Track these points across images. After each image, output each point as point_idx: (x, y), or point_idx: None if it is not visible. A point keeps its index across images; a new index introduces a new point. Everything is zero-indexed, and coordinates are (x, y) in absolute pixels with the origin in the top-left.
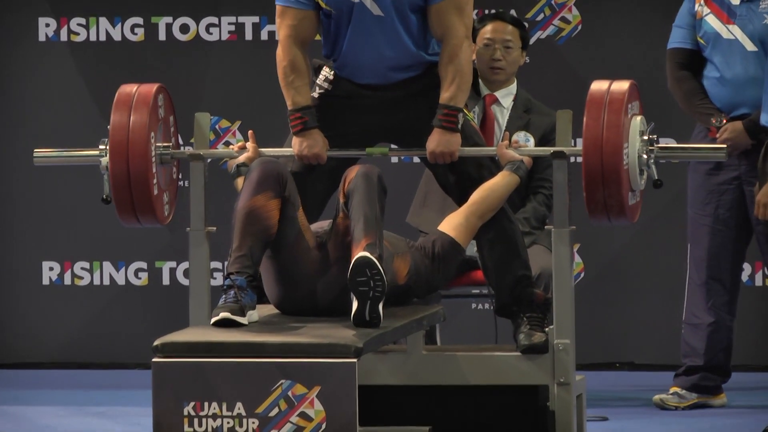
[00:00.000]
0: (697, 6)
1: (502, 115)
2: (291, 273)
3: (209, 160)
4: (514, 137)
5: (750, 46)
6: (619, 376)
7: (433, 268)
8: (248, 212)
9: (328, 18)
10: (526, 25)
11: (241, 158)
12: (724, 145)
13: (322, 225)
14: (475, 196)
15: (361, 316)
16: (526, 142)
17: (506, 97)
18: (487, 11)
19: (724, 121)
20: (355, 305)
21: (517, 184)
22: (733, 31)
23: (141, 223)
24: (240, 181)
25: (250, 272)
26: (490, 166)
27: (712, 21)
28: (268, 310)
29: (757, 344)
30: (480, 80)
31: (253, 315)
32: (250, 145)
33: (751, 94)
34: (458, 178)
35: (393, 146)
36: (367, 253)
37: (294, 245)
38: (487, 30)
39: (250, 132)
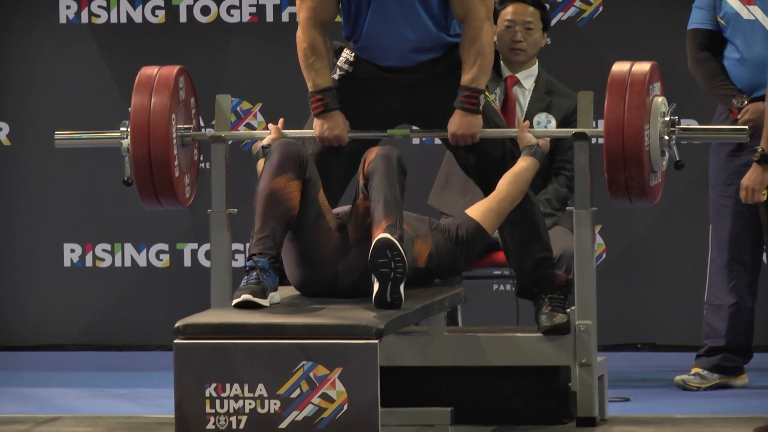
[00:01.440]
0: None
1: (523, 97)
2: (312, 255)
3: (230, 142)
4: (535, 118)
5: None
6: (641, 357)
7: (457, 251)
8: (269, 194)
9: (348, 1)
10: (547, 6)
11: (266, 140)
12: (746, 127)
13: (344, 208)
14: (503, 183)
15: (383, 298)
16: (548, 123)
17: (528, 78)
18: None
19: (746, 102)
20: (376, 287)
21: (537, 167)
22: (754, 12)
23: (162, 205)
24: (261, 163)
25: (272, 253)
26: (512, 148)
27: (732, 1)
28: (289, 291)
29: None
30: (501, 62)
31: (275, 296)
32: (272, 126)
33: None
34: (479, 160)
35: (414, 128)
36: (387, 235)
37: (315, 227)
38: (508, 11)
39: (281, 120)
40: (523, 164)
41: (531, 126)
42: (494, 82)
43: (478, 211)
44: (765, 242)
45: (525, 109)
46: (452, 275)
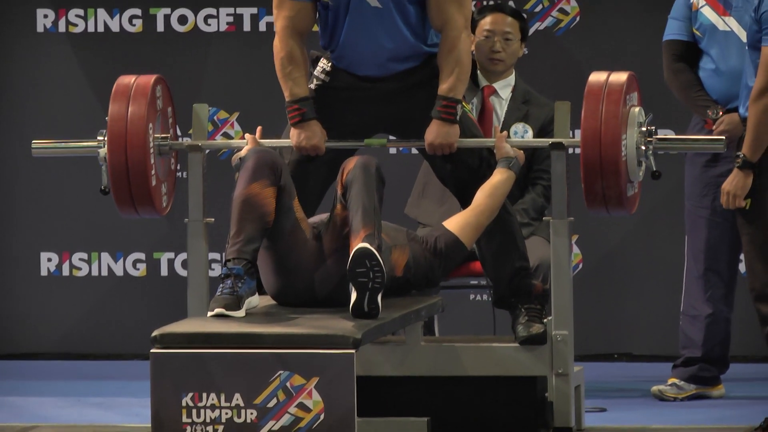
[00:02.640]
0: None
1: (500, 107)
2: (288, 264)
3: (207, 151)
4: (512, 128)
5: (746, 38)
6: (618, 367)
7: (434, 262)
8: (244, 199)
9: (325, 9)
10: (525, 16)
11: (243, 151)
12: (723, 137)
13: (321, 217)
14: (480, 196)
15: (360, 308)
16: (525, 133)
17: (505, 88)
18: (486, 2)
19: (721, 113)
20: (354, 296)
21: (514, 179)
22: (729, 23)
23: (139, 213)
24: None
25: (248, 257)
26: (488, 158)
27: (708, 13)
28: (267, 300)
29: (756, 335)
30: (478, 71)
31: (252, 301)
32: (249, 136)
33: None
34: (456, 170)
35: (391, 137)
36: (366, 244)
37: (290, 235)
38: (487, 21)
39: (258, 128)
40: (500, 177)
41: (508, 136)
42: (471, 92)
43: (456, 224)
44: (744, 249)
45: (502, 119)
46: (429, 286)
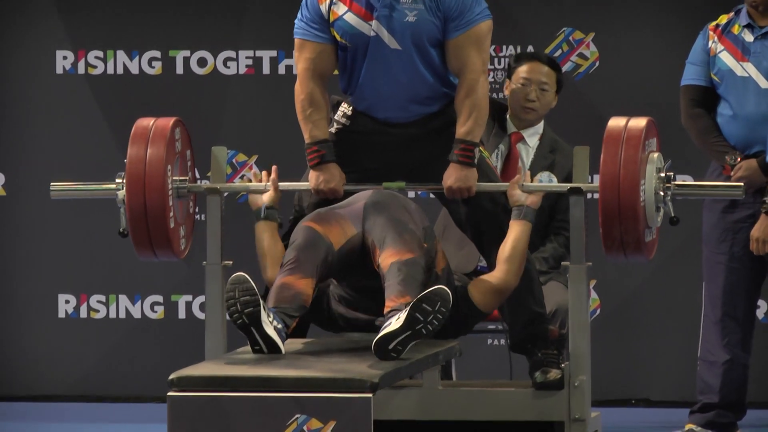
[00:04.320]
0: (710, 43)
1: (527, 154)
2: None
3: (226, 194)
4: (537, 177)
5: (764, 84)
6: (635, 413)
7: (448, 323)
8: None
9: (344, 51)
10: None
11: (266, 198)
12: (741, 183)
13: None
14: (503, 255)
15: (387, 341)
16: (549, 182)
17: (533, 136)
18: (520, 49)
19: (739, 159)
20: (390, 327)
21: (530, 228)
22: (747, 69)
23: (157, 256)
24: (264, 224)
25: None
26: (504, 203)
27: (726, 58)
28: (289, 343)
29: None
30: (508, 117)
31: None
32: (271, 180)
33: (765, 131)
34: (472, 214)
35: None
36: (448, 291)
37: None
38: (524, 69)
39: (273, 167)
40: (516, 232)
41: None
42: (498, 138)
43: (481, 292)
44: None
45: (527, 167)
46: (440, 338)
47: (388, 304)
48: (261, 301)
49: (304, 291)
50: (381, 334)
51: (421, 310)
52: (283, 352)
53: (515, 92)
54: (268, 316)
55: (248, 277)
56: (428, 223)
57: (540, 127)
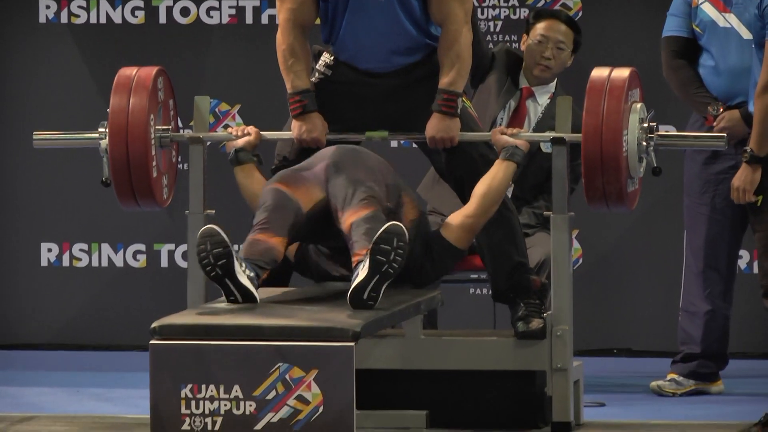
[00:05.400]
0: None
1: (534, 111)
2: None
3: (208, 144)
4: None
5: (746, 35)
6: (617, 363)
7: (425, 265)
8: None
9: (325, 2)
10: (580, 28)
11: (240, 142)
12: (724, 134)
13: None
14: (476, 194)
15: (361, 291)
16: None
17: (543, 94)
18: (541, 4)
19: (721, 110)
20: (361, 275)
21: (515, 170)
22: (730, 20)
23: (140, 205)
24: (240, 169)
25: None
26: (486, 154)
27: (708, 9)
28: (266, 292)
29: (755, 331)
30: (522, 72)
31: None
32: (252, 129)
33: (747, 82)
34: (454, 164)
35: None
36: (400, 224)
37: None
38: (542, 26)
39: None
40: (497, 170)
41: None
42: (509, 93)
43: (453, 225)
44: (756, 246)
45: (533, 124)
46: (421, 285)
47: (354, 259)
48: (233, 252)
49: (275, 247)
50: (352, 286)
51: (380, 252)
52: (258, 300)
53: (531, 48)
54: (241, 265)
55: (219, 229)
56: (393, 178)
57: (552, 86)
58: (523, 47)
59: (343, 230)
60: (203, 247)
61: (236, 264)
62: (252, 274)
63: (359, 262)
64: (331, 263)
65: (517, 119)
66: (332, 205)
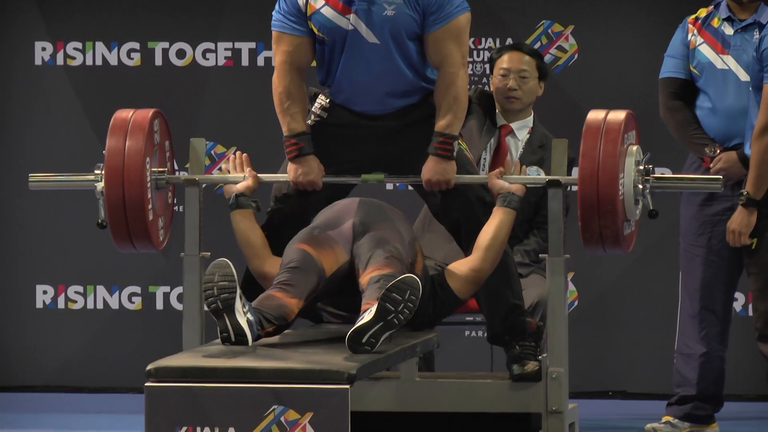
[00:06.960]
0: (690, 35)
1: (515, 148)
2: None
3: (204, 186)
4: (524, 168)
5: (744, 77)
6: (612, 405)
7: (426, 308)
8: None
9: (322, 45)
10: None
11: (240, 187)
12: (720, 176)
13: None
14: (481, 243)
15: (360, 334)
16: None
17: (522, 129)
18: (499, 42)
19: (718, 152)
20: (364, 320)
21: (514, 217)
22: (727, 62)
23: (136, 247)
24: (238, 213)
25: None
26: (483, 196)
27: (706, 50)
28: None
29: (750, 374)
30: (497, 111)
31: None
32: (248, 171)
33: (744, 124)
34: (451, 207)
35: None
36: (417, 278)
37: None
38: (504, 60)
39: (244, 155)
40: (498, 219)
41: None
42: (489, 133)
43: (457, 280)
44: (750, 288)
45: (515, 160)
46: (418, 329)
47: (363, 307)
48: (238, 289)
49: (289, 307)
50: (354, 327)
51: (390, 300)
52: (250, 344)
53: (496, 84)
54: (243, 306)
55: (230, 264)
56: (411, 231)
57: (530, 120)
58: (492, 87)
59: (361, 285)
60: (211, 277)
61: (238, 302)
62: (252, 318)
63: (368, 309)
64: (328, 305)
65: (498, 157)
66: (355, 264)
